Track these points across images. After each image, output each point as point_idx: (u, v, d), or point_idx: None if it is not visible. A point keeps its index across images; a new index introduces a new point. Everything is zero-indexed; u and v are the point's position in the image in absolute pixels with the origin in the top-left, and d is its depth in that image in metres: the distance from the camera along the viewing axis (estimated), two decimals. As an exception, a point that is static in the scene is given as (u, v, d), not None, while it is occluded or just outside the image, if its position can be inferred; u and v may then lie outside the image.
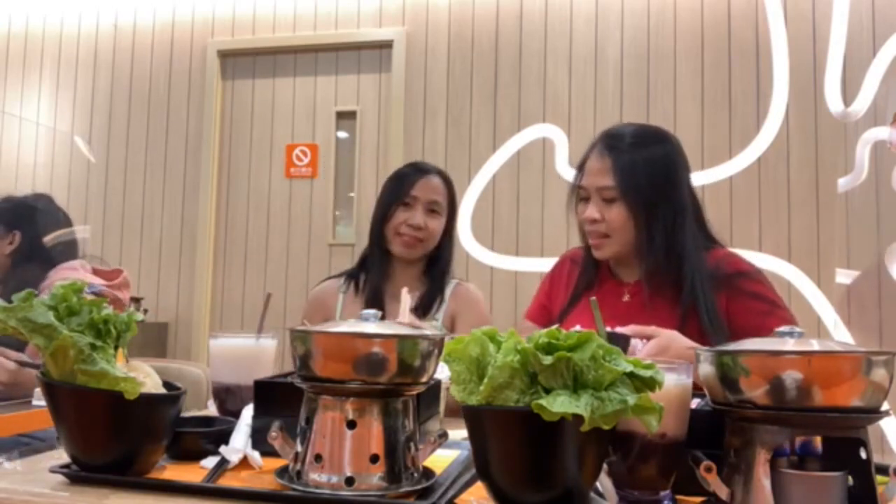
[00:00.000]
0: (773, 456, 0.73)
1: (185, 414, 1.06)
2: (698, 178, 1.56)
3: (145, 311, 3.76)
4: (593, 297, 0.93)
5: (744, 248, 2.81)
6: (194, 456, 0.96)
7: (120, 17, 4.07)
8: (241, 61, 3.92)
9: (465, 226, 3.44)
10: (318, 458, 0.81)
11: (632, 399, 0.70)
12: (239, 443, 0.95)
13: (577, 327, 0.80)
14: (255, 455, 0.93)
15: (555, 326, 0.75)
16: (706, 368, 0.78)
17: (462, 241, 3.41)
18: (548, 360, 0.71)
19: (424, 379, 0.85)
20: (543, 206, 3.42)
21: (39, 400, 1.44)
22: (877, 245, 2.97)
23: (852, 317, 2.97)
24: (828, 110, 3.07)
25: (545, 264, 3.26)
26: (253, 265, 3.82)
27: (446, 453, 1.01)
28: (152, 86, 4.00)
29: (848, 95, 3.03)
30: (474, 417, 0.76)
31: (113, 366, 0.86)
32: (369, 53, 3.74)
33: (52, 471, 0.87)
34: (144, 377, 0.92)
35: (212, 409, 1.28)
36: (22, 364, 1.46)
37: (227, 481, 0.88)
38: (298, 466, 0.83)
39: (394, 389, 0.82)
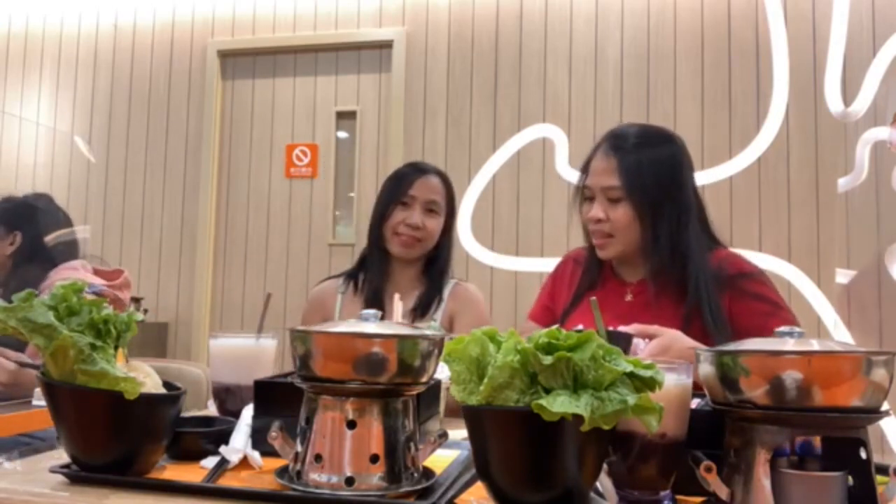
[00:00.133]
0: (773, 456, 0.73)
1: (185, 414, 1.06)
2: (698, 178, 1.57)
3: (145, 311, 3.76)
4: (593, 298, 0.93)
5: (744, 248, 2.81)
6: (194, 456, 0.96)
7: (120, 17, 4.07)
8: (241, 61, 3.92)
9: (465, 226, 3.45)
10: (318, 458, 0.81)
11: (632, 399, 0.70)
12: (239, 443, 0.95)
13: (580, 327, 0.80)
14: (255, 455, 0.93)
15: (555, 326, 0.75)
16: (706, 368, 0.78)
17: (462, 241, 3.41)
18: (548, 360, 0.71)
19: (424, 379, 0.85)
20: (543, 206, 3.42)
21: (39, 400, 1.44)
22: (877, 245, 2.97)
23: (852, 317, 2.97)
24: (828, 110, 3.07)
25: (545, 264, 3.29)
26: (253, 265, 3.82)
27: (446, 453, 1.01)
28: (152, 86, 4.00)
29: (848, 95, 3.03)
30: (474, 417, 0.76)
31: (113, 366, 0.86)
32: (369, 53, 3.74)
33: (52, 471, 0.87)
34: (144, 377, 0.92)
35: (212, 409, 1.28)
36: (22, 364, 1.46)
37: (227, 481, 0.88)
38: (298, 466, 0.83)
39: (394, 389, 0.82)
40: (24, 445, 1.46)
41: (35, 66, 4.17)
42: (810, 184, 3.15)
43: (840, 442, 0.75)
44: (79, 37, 4.12)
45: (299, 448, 0.84)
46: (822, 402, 0.70)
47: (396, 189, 1.85)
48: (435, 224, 1.85)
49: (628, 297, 1.52)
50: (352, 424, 0.81)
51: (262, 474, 0.90)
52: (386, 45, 3.68)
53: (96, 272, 1.98)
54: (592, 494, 0.77)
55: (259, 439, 0.94)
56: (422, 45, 3.62)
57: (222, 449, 0.93)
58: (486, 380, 0.74)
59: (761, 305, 1.43)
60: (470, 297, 1.89)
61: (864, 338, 2.91)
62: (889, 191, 2.91)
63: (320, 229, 3.75)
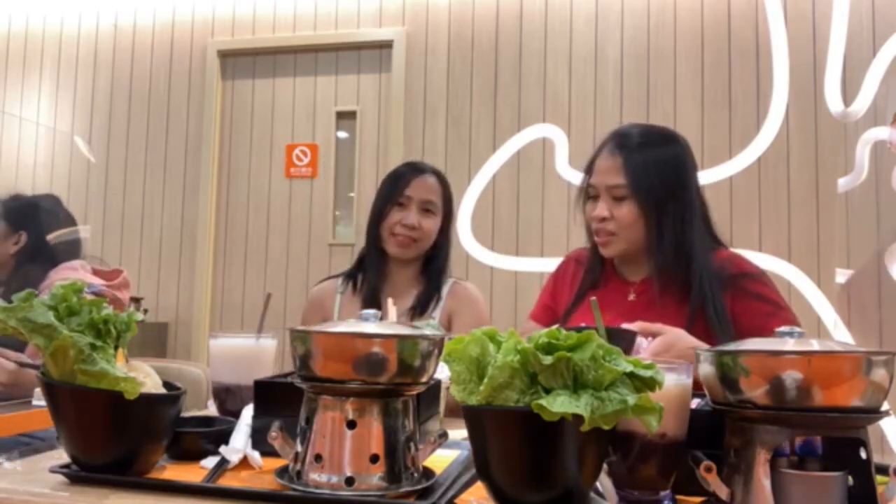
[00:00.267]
0: (773, 456, 0.73)
1: (185, 414, 1.06)
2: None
3: (145, 311, 3.76)
4: (593, 297, 0.93)
5: (744, 248, 2.81)
6: (194, 456, 0.96)
7: (120, 17, 4.07)
8: (241, 61, 3.92)
9: (465, 226, 3.45)
10: (318, 458, 0.81)
11: (632, 399, 0.70)
12: (239, 443, 0.95)
13: (582, 325, 0.80)
14: (255, 455, 0.93)
15: (555, 326, 0.75)
16: (706, 368, 0.78)
17: (462, 241, 3.41)
18: (548, 360, 0.71)
19: (424, 379, 0.85)
20: (543, 206, 3.42)
21: (39, 400, 1.44)
22: (877, 245, 2.97)
23: (852, 317, 2.97)
24: (828, 110, 3.07)
25: (545, 264, 3.29)
26: (253, 265, 3.82)
27: (446, 453, 1.01)
28: (152, 86, 4.00)
29: (848, 95, 3.03)
30: (474, 417, 0.76)
31: (113, 366, 0.86)
32: (369, 53, 3.74)
33: (52, 471, 0.87)
34: (144, 377, 0.92)
35: (212, 409, 1.28)
36: (22, 364, 1.46)
37: (227, 481, 0.88)
38: (298, 466, 0.83)
39: (394, 389, 0.82)
40: (24, 445, 1.46)
41: (35, 66, 4.18)
42: (810, 184, 3.15)
43: (840, 442, 0.75)
44: (79, 37, 4.12)
45: (299, 448, 0.84)
46: (822, 402, 0.70)
47: (393, 189, 1.85)
48: (431, 224, 1.85)
49: (631, 297, 1.53)
50: (352, 424, 0.81)
51: (262, 474, 0.90)
52: (386, 45, 3.68)
53: (95, 272, 1.98)
54: (592, 494, 0.77)
55: (259, 439, 0.94)
56: (422, 45, 3.62)
57: (222, 449, 0.93)
58: (486, 380, 0.74)
59: (763, 306, 1.43)
60: (469, 296, 1.89)
61: (864, 338, 2.91)
62: (889, 191, 2.91)
63: (320, 229, 3.75)
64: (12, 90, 4.20)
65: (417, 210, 1.83)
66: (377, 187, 1.94)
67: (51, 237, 2.02)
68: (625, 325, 1.23)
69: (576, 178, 1.59)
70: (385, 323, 0.89)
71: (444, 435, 0.84)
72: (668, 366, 0.79)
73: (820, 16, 3.16)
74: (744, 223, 3.18)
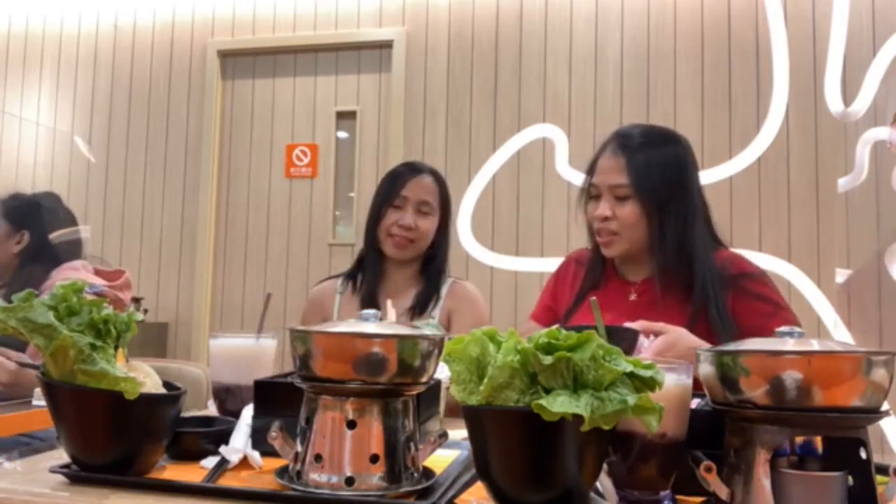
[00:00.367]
0: (773, 456, 0.73)
1: (185, 414, 1.06)
2: (698, 179, 1.58)
3: (145, 311, 3.76)
4: (593, 298, 0.93)
5: (744, 248, 2.81)
6: (194, 456, 0.96)
7: (120, 17, 4.07)
8: (241, 61, 3.92)
9: (465, 226, 3.45)
10: (318, 458, 0.81)
11: (632, 399, 0.70)
12: (239, 443, 0.95)
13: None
14: (255, 455, 0.93)
15: (555, 326, 0.75)
16: (706, 368, 0.78)
17: (462, 241, 3.41)
18: (548, 360, 0.71)
19: (424, 379, 0.85)
20: (543, 206, 3.42)
21: (39, 400, 1.44)
22: (877, 245, 2.97)
23: (852, 317, 2.97)
24: (828, 110, 3.07)
25: (545, 264, 3.29)
26: (253, 265, 3.82)
27: (446, 453, 1.01)
28: (152, 86, 4.00)
29: (848, 95, 3.03)
30: (474, 417, 0.76)
31: (113, 366, 0.86)
32: (369, 53, 3.74)
33: (52, 471, 0.87)
34: (144, 377, 0.92)
35: (212, 409, 1.28)
36: (22, 365, 1.46)
37: (227, 481, 0.88)
38: (298, 466, 0.83)
39: (394, 389, 0.82)
40: (24, 445, 1.46)
41: (35, 66, 4.17)
42: (810, 184, 3.15)
43: (840, 442, 0.75)
44: (79, 37, 4.12)
45: (299, 448, 0.84)
46: (822, 402, 0.70)
47: (389, 191, 1.86)
48: (428, 224, 1.86)
49: (632, 297, 1.53)
50: (352, 424, 0.81)
51: (262, 474, 0.90)
52: (386, 45, 3.68)
53: (97, 272, 1.97)
54: (592, 494, 0.77)
55: (259, 439, 0.94)
56: (422, 45, 3.62)
57: (222, 449, 0.93)
58: (486, 380, 0.74)
59: (763, 306, 1.44)
60: (468, 295, 1.89)
61: (864, 338, 2.91)
62: (889, 191, 2.91)
63: (320, 229, 3.75)
64: (12, 90, 4.20)
65: (414, 211, 1.83)
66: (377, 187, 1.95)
67: (53, 236, 2.01)
68: (627, 324, 1.23)
69: (576, 178, 1.60)
70: (385, 323, 0.89)
71: (444, 435, 0.84)
72: (668, 366, 0.79)
73: (820, 16, 3.16)
74: (744, 223, 3.18)
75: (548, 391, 0.72)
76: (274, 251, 3.80)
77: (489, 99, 3.53)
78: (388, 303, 1.47)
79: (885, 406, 0.73)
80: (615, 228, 1.47)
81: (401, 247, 1.83)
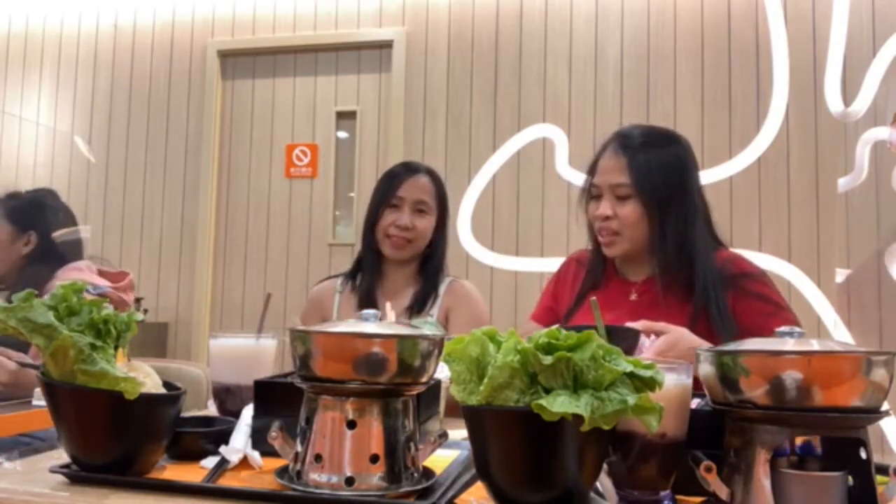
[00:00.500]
0: (773, 456, 0.73)
1: (185, 414, 1.06)
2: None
3: (145, 311, 3.76)
4: (593, 298, 0.93)
5: (744, 248, 2.81)
6: (194, 456, 0.96)
7: (120, 17, 4.07)
8: (241, 61, 3.92)
9: (465, 226, 3.45)
10: (318, 458, 0.81)
11: (632, 399, 0.70)
12: (239, 443, 0.95)
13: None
14: (255, 455, 0.93)
15: (555, 326, 0.75)
16: (706, 368, 0.78)
17: (462, 241, 3.41)
18: (548, 360, 0.71)
19: (424, 379, 0.85)
20: (543, 206, 3.42)
21: (39, 400, 1.43)
22: (877, 245, 2.97)
23: (852, 317, 2.97)
24: (828, 110, 3.07)
25: (545, 264, 3.29)
26: (253, 265, 3.82)
27: (446, 453, 1.01)
28: (152, 86, 4.00)
29: (848, 95, 3.03)
30: (474, 417, 0.76)
31: (113, 366, 0.86)
32: (369, 53, 3.74)
33: (52, 471, 0.87)
34: (144, 377, 0.92)
35: (212, 409, 1.28)
36: (23, 364, 1.46)
37: (227, 481, 0.88)
38: (298, 466, 0.83)
39: (394, 389, 0.82)
40: (24, 445, 1.46)
41: (35, 66, 4.17)
42: (810, 184, 3.15)
43: (840, 442, 0.75)
44: (79, 37, 4.12)
45: (299, 448, 0.84)
46: (822, 402, 0.70)
47: (386, 191, 1.86)
48: (425, 224, 1.86)
49: (633, 297, 1.53)
50: (352, 424, 0.81)
51: (262, 474, 0.90)
52: (386, 45, 3.68)
53: (101, 273, 1.96)
54: (592, 494, 0.77)
55: (259, 439, 0.94)
56: (422, 45, 3.62)
57: (222, 449, 0.93)
58: (486, 380, 0.74)
59: (763, 306, 1.44)
60: (466, 294, 1.89)
61: (864, 338, 2.91)
62: (889, 191, 2.91)
63: (320, 229, 3.75)
64: (12, 90, 4.20)
65: (410, 210, 1.84)
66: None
67: (55, 235, 2.00)
68: (628, 324, 1.23)
69: (576, 178, 1.60)
70: (385, 323, 0.89)
71: (444, 435, 0.84)
72: (669, 366, 0.79)
73: (820, 16, 3.16)
74: (744, 223, 3.18)
75: (548, 391, 0.72)
76: (274, 251, 3.80)
77: (489, 99, 3.53)
78: (388, 306, 1.48)
79: (885, 406, 0.73)
80: (616, 228, 1.48)
81: (398, 247, 1.83)
